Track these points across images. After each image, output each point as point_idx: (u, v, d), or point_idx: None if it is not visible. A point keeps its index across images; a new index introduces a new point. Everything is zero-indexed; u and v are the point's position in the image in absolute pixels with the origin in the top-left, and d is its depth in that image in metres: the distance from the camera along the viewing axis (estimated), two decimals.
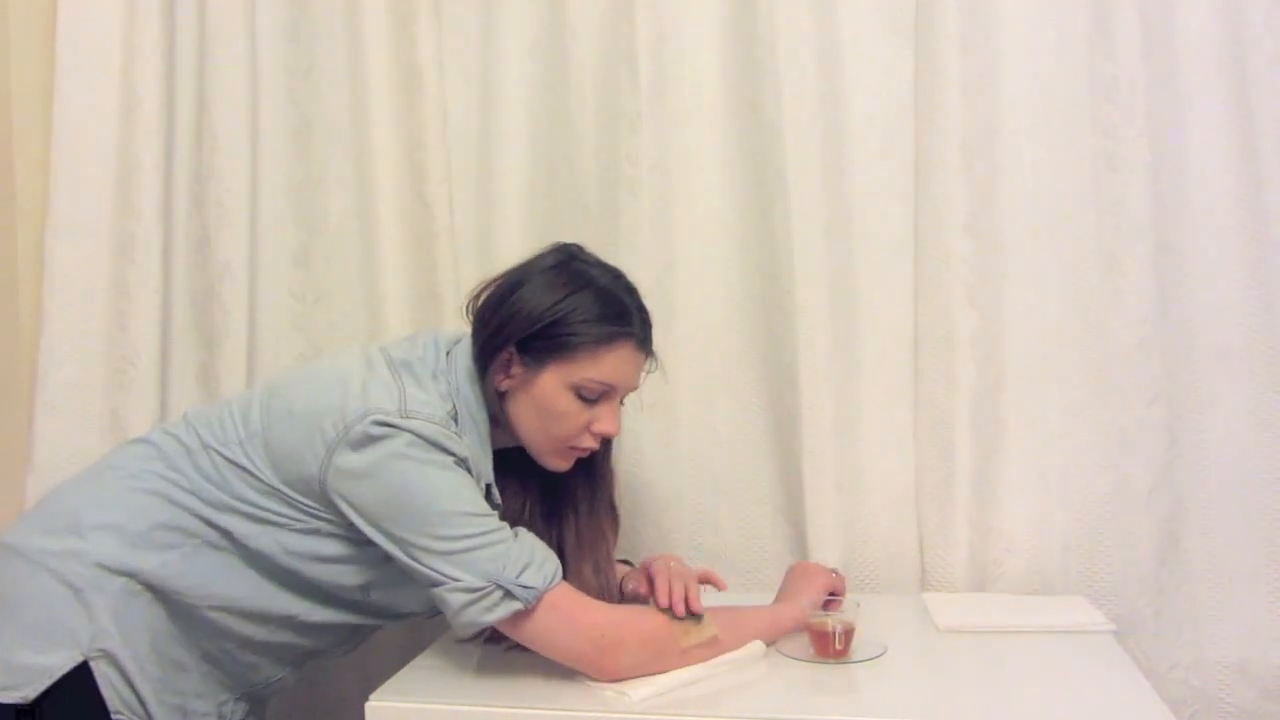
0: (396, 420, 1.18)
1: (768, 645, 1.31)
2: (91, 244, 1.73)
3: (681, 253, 1.69)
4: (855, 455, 1.65)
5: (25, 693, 1.16)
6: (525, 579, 1.17)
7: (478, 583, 1.16)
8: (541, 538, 1.26)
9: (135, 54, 1.72)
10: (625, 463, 1.68)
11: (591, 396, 1.28)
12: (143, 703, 1.21)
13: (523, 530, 1.24)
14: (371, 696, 1.20)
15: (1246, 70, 1.53)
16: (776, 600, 1.43)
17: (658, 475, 1.69)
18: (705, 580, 1.40)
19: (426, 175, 1.73)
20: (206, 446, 1.27)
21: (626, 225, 1.68)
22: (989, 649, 1.35)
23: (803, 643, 1.31)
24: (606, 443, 1.37)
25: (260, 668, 1.33)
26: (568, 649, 1.20)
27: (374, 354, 1.29)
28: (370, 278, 1.76)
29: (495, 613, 1.17)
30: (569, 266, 1.31)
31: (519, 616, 1.18)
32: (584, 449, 1.32)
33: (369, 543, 1.22)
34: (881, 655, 1.29)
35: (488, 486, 1.29)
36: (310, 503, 1.23)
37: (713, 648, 1.25)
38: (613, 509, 1.43)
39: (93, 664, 1.19)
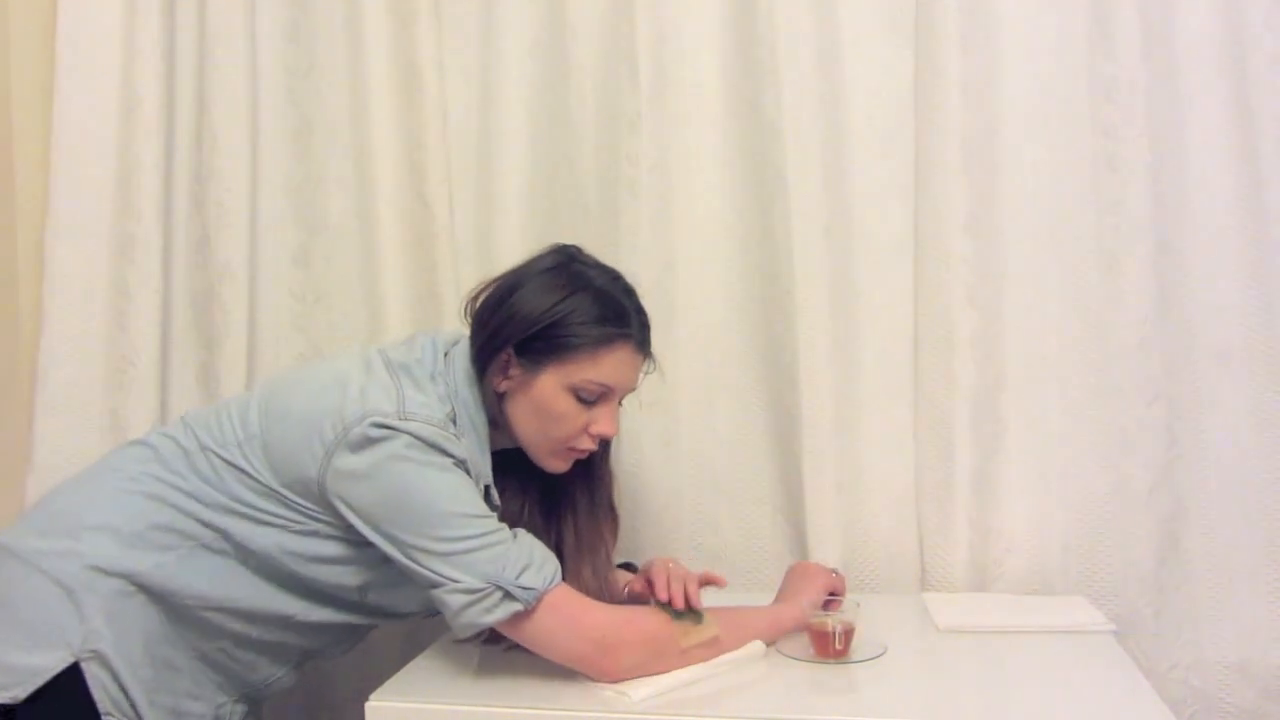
0: (395, 422, 1.18)
1: (768, 645, 1.31)
2: (91, 244, 1.73)
3: (681, 253, 1.69)
4: (855, 455, 1.65)
5: (15, 693, 1.16)
6: (525, 580, 1.17)
7: (477, 584, 1.16)
8: (540, 539, 1.25)
9: (135, 54, 1.72)
10: (625, 463, 1.68)
11: (590, 398, 1.28)
12: (133, 704, 1.21)
13: (522, 531, 1.24)
14: (371, 696, 1.20)
15: (1246, 70, 1.53)
16: (776, 600, 1.43)
17: (658, 475, 1.69)
18: (706, 581, 1.40)
19: (426, 175, 1.73)
20: (204, 448, 1.27)
21: (626, 225, 1.68)
22: (989, 649, 1.35)
23: (803, 643, 1.31)
24: (605, 444, 1.38)
25: (258, 667, 1.33)
26: (568, 650, 1.20)
27: (372, 356, 1.29)
28: (370, 278, 1.76)
29: (495, 614, 1.17)
30: (567, 268, 1.31)
31: (519, 618, 1.18)
32: (582, 450, 1.32)
33: (368, 544, 1.21)
34: (881, 655, 1.29)
35: (486, 488, 1.29)
36: (309, 504, 1.23)
37: (713, 648, 1.25)
38: (612, 510, 1.43)
39: (84, 665, 1.19)
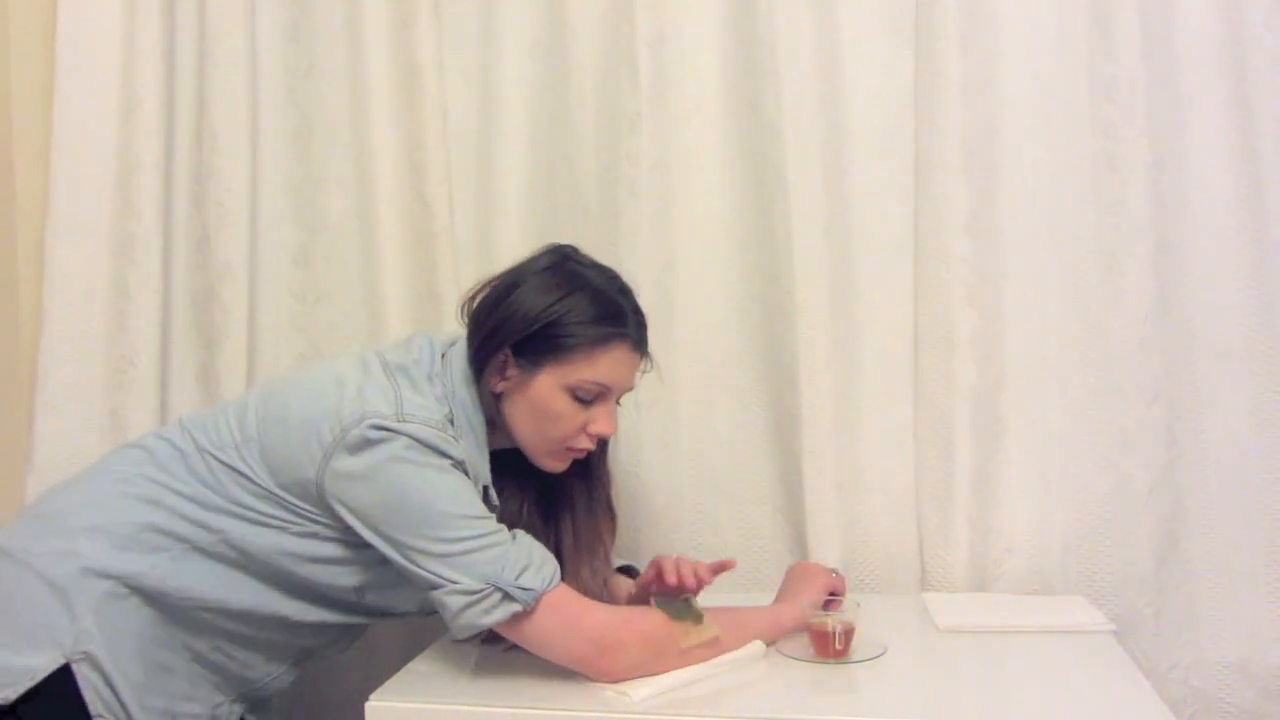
0: (393, 424, 1.18)
1: (768, 645, 1.31)
2: (91, 244, 1.73)
3: (681, 253, 1.69)
4: (855, 455, 1.65)
5: (6, 694, 1.16)
6: (524, 581, 1.17)
7: (476, 585, 1.16)
8: (539, 539, 1.26)
9: (135, 54, 1.72)
10: (625, 463, 1.68)
11: (587, 398, 1.28)
12: (124, 706, 1.21)
13: (521, 532, 1.24)
14: (371, 696, 1.20)
15: (1246, 70, 1.53)
16: (776, 600, 1.43)
17: (658, 475, 1.69)
18: (719, 568, 1.38)
19: (426, 175, 1.73)
20: (201, 450, 1.27)
21: (626, 225, 1.68)
22: (989, 649, 1.35)
23: (803, 643, 1.31)
24: (603, 443, 1.38)
25: (254, 665, 1.33)
26: (568, 650, 1.20)
27: (369, 358, 1.29)
28: (370, 278, 1.76)
29: (494, 615, 1.17)
30: (563, 268, 1.31)
31: (518, 618, 1.18)
32: (580, 450, 1.32)
33: (366, 545, 1.22)
34: (881, 655, 1.29)
35: (485, 488, 1.29)
36: (307, 506, 1.23)
37: (713, 648, 1.25)
38: (610, 509, 1.43)
39: (74, 666, 1.19)
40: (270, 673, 1.35)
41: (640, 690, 1.17)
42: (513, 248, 1.65)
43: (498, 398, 1.30)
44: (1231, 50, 1.53)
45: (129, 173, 1.72)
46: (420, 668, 1.31)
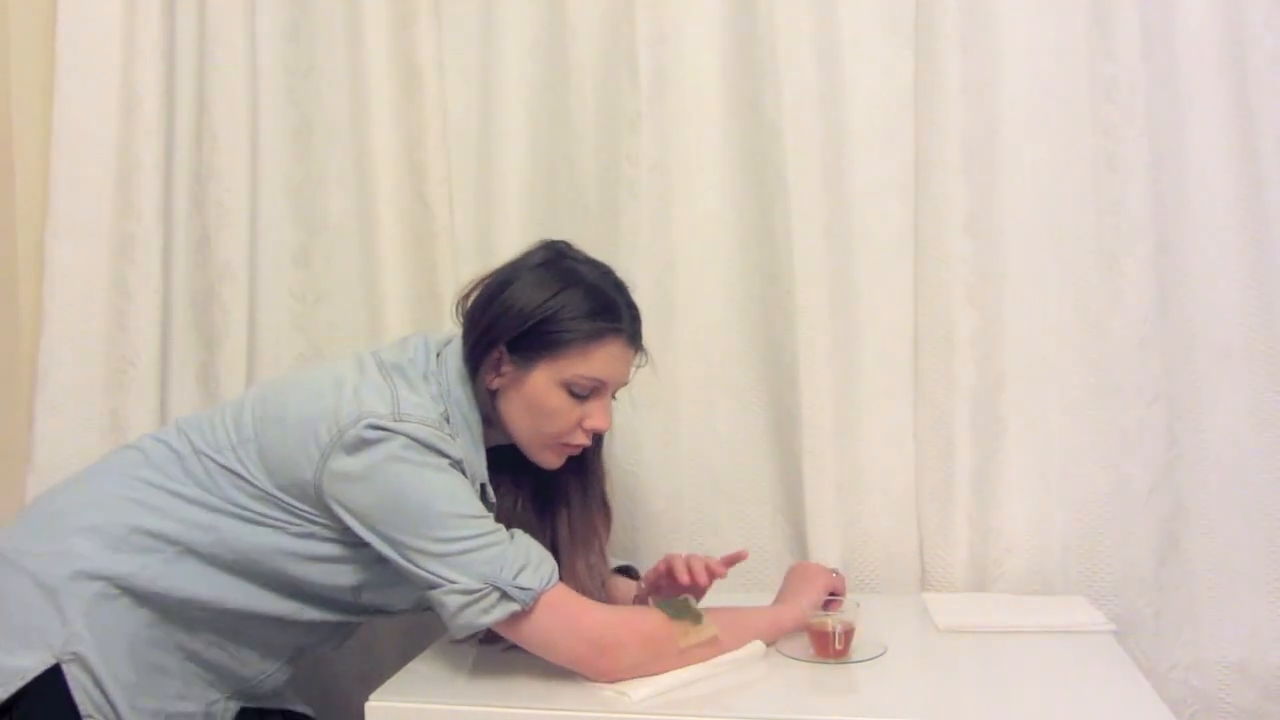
0: (390, 423, 1.18)
1: (768, 645, 1.31)
2: (91, 244, 1.73)
3: (681, 253, 1.69)
4: (855, 455, 1.65)
5: None
6: (522, 580, 1.17)
7: (474, 585, 1.16)
8: (534, 534, 1.26)
9: (135, 54, 1.73)
10: (625, 462, 1.68)
11: (582, 393, 1.28)
12: (114, 707, 1.20)
13: (519, 532, 1.24)
14: (371, 696, 1.20)
15: (1246, 70, 1.53)
16: (776, 600, 1.43)
17: (657, 475, 1.69)
18: (732, 561, 1.39)
19: (426, 175, 1.73)
20: (198, 452, 1.27)
21: (626, 225, 1.68)
22: (989, 649, 1.35)
23: (803, 643, 1.31)
24: (598, 438, 1.38)
25: (249, 663, 1.33)
26: (567, 650, 1.20)
27: (365, 358, 1.30)
28: (370, 278, 1.76)
29: (492, 614, 1.17)
30: (557, 264, 1.31)
31: (517, 618, 1.18)
32: (576, 445, 1.32)
33: (363, 545, 1.22)
34: (881, 655, 1.29)
35: (482, 486, 1.29)
36: (305, 507, 1.23)
37: (713, 648, 1.25)
38: (605, 504, 1.43)
39: (64, 667, 1.19)
40: (265, 670, 1.35)
41: (639, 690, 1.17)
42: (513, 247, 1.63)
43: (493, 395, 1.30)
44: (1231, 50, 1.53)
45: (129, 173, 1.72)
46: (420, 668, 1.31)
